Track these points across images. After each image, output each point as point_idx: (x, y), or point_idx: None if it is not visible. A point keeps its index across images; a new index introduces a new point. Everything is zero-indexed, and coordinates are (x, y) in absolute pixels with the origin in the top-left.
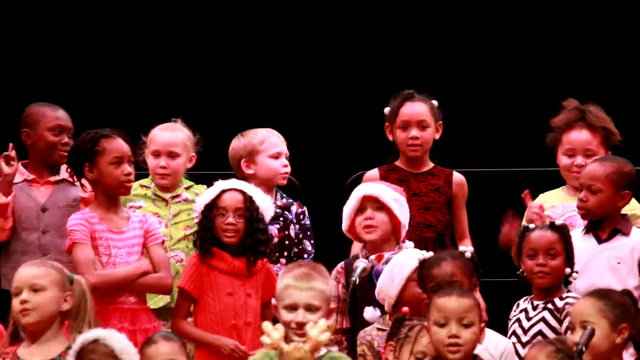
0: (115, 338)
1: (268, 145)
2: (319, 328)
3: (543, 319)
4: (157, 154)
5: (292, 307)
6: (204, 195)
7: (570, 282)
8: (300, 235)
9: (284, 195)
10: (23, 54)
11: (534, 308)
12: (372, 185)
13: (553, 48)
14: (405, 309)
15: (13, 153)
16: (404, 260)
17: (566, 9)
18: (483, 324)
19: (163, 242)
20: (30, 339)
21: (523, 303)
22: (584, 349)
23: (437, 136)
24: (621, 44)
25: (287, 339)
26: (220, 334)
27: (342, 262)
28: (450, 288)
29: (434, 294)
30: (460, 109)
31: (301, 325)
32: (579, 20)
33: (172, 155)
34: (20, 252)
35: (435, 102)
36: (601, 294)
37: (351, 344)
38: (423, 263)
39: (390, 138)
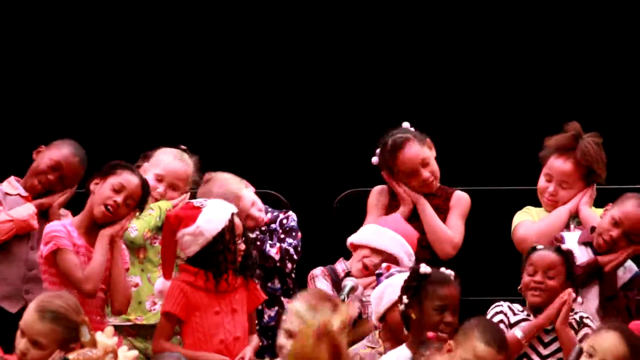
0: None
1: None
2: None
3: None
4: (160, 179)
5: None
6: (214, 220)
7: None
8: (282, 235)
9: (269, 208)
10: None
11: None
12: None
13: (554, 68)
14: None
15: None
16: (396, 284)
17: (565, 29)
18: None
19: (128, 269)
20: None
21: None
22: None
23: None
24: (621, 63)
25: None
26: (210, 352)
27: (324, 267)
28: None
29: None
30: (458, 127)
31: None
32: (577, 40)
33: (173, 187)
34: (6, 263)
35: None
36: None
37: None
38: (426, 277)
39: None
